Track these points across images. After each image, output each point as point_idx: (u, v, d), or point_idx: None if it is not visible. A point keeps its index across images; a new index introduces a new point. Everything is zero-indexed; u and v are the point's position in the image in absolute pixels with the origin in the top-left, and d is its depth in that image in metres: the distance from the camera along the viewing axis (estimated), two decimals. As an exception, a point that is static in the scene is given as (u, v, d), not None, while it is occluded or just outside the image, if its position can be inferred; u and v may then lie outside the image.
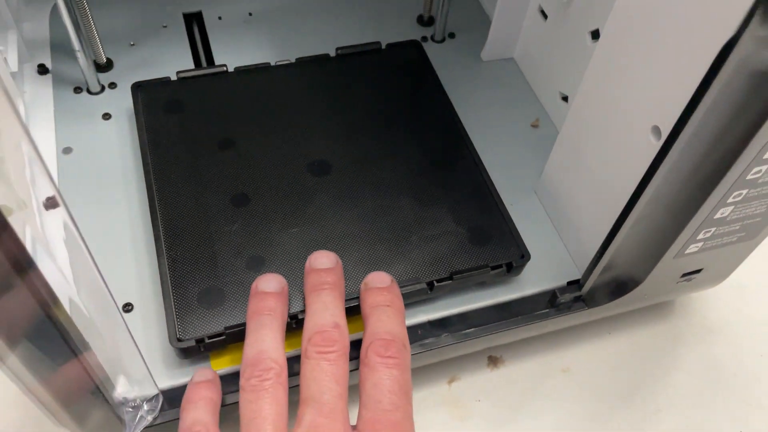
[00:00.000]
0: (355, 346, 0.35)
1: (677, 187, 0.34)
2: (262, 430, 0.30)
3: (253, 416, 0.31)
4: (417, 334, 0.39)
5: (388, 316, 0.35)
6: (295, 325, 0.36)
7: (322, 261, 0.36)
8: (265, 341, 0.33)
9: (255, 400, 0.31)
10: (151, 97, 0.45)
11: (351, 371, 0.34)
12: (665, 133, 0.32)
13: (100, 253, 0.40)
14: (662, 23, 0.31)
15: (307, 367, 0.32)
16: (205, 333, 0.35)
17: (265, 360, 0.32)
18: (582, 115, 0.39)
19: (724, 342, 0.48)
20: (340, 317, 0.34)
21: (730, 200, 0.34)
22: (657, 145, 0.33)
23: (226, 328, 0.35)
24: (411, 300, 0.39)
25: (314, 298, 0.35)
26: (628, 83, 0.34)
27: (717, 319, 0.49)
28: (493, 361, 0.46)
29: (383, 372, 0.32)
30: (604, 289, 0.41)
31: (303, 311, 0.36)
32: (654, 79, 0.32)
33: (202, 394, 0.34)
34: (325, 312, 0.34)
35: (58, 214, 0.28)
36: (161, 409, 0.36)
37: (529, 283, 0.42)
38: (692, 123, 0.30)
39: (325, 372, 0.32)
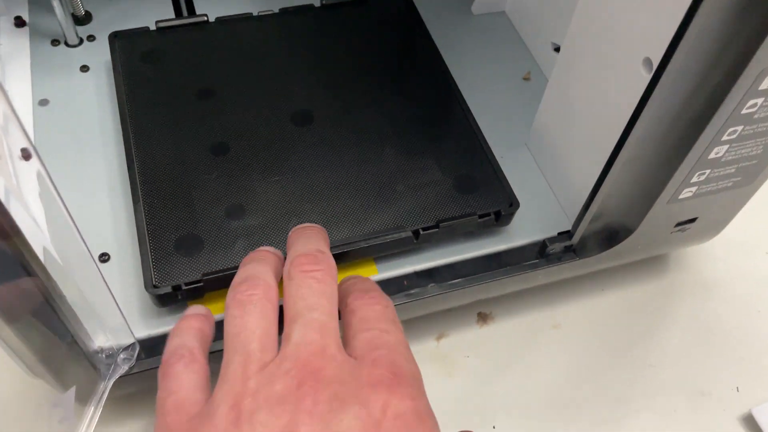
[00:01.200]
0: None
1: (668, 123, 0.33)
2: (248, 344, 0.27)
3: (237, 331, 0.27)
4: (403, 284, 0.38)
5: (306, 237, 0.32)
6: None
7: (305, 225, 0.35)
8: (257, 268, 0.30)
9: (241, 315, 0.28)
10: (129, 48, 0.43)
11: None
12: (656, 64, 0.31)
13: (76, 203, 0.39)
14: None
15: (291, 287, 0.29)
16: (182, 280, 0.34)
17: (253, 278, 0.29)
18: (571, 57, 0.38)
19: (719, 298, 0.47)
20: (325, 248, 0.32)
21: (725, 138, 0.33)
22: (647, 78, 0.31)
23: (204, 275, 0.34)
24: (397, 249, 0.38)
25: (296, 238, 0.33)
26: (618, 14, 0.33)
27: (712, 275, 0.48)
28: (483, 317, 0.45)
29: (367, 309, 0.30)
30: (596, 239, 0.40)
31: (284, 260, 0.35)
32: (643, 6, 0.31)
33: (192, 324, 0.31)
34: (307, 243, 0.31)
35: (33, 165, 0.27)
36: (138, 358, 0.35)
37: (518, 233, 0.41)
38: (681, 50, 0.28)
39: (312, 289, 0.28)
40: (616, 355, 0.44)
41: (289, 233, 0.34)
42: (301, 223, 0.36)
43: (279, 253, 0.34)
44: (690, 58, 0.29)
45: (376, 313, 0.29)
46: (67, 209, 0.29)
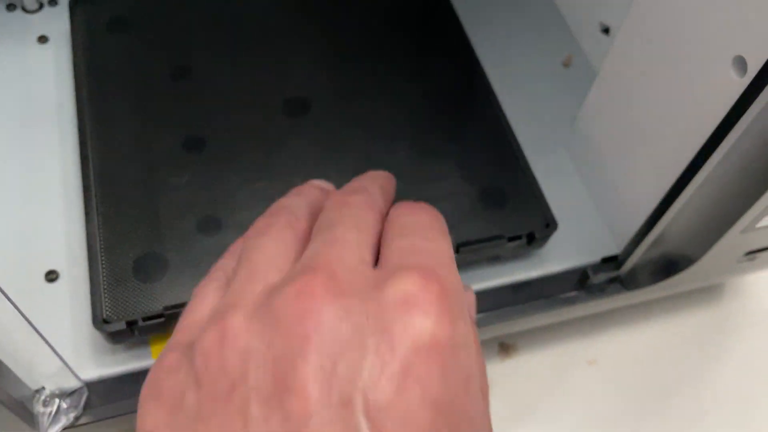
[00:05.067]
0: None
1: (762, 141, 0.25)
2: (255, 264, 0.21)
3: (248, 252, 0.22)
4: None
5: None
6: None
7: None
8: (288, 200, 0.24)
9: (255, 236, 0.22)
10: (92, 14, 0.36)
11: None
12: (754, 66, 0.24)
13: (24, 205, 0.33)
14: None
15: (321, 215, 0.23)
16: (139, 314, 0.28)
17: (279, 209, 0.23)
18: (631, 46, 0.31)
19: (783, 332, 0.40)
20: (374, 188, 0.25)
21: (831, 160, 0.26)
22: (740, 82, 0.24)
23: (166, 308, 0.28)
24: (405, 276, 0.31)
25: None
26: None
27: (775, 305, 0.41)
28: (505, 349, 0.38)
29: (408, 217, 0.22)
30: (649, 269, 0.33)
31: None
32: (744, -11, 0.23)
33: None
34: (354, 182, 0.25)
35: None
36: (87, 405, 0.29)
37: (554, 258, 0.34)
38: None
39: (341, 212, 0.22)
40: (661, 399, 0.38)
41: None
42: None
43: (330, 187, 0.27)
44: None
45: (420, 221, 0.22)
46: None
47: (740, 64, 0.24)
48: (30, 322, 0.25)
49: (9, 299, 0.24)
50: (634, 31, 0.30)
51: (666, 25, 0.28)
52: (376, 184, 0.25)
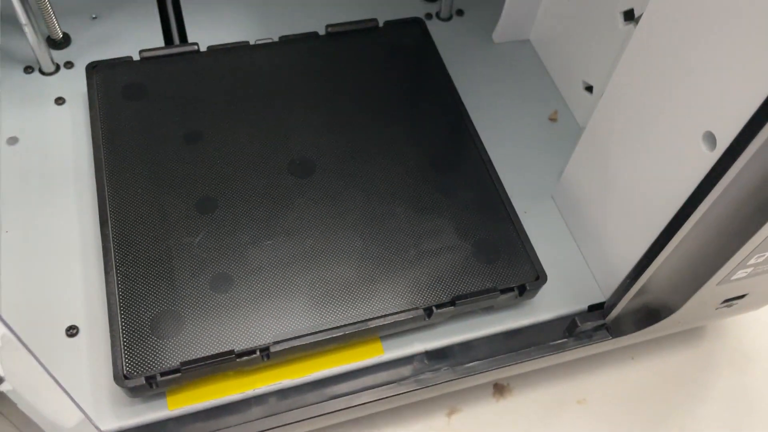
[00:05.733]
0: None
1: (734, 206, 0.28)
2: None
3: None
4: (411, 368, 0.34)
5: None
6: (265, 358, 0.31)
7: None
8: None
9: None
10: (108, 80, 0.39)
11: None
12: (722, 142, 0.26)
13: (44, 264, 0.35)
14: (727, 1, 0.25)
15: None
16: (157, 369, 0.30)
17: None
18: (613, 110, 0.33)
19: (761, 369, 0.42)
20: None
21: (795, 222, 0.28)
22: (709, 156, 0.27)
23: (183, 364, 0.30)
24: (406, 327, 0.33)
25: None
26: (676, 76, 0.28)
27: (753, 344, 0.43)
28: (500, 390, 0.40)
29: None
30: (633, 317, 0.35)
31: (276, 342, 0.31)
32: (711, 72, 0.26)
33: None
34: None
35: None
36: (106, 457, 0.30)
37: (544, 306, 0.36)
38: (764, 132, 0.24)
39: None
40: (647, 436, 0.39)
41: None
42: (296, 300, 0.32)
43: None
44: (770, 142, 0.24)
45: None
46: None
47: (710, 139, 0.27)
48: (54, 378, 0.27)
49: (34, 356, 0.26)
50: (615, 98, 0.33)
51: (643, 97, 0.30)
52: None
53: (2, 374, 0.22)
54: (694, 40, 0.26)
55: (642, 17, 0.29)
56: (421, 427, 0.39)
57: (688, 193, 0.28)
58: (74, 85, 0.41)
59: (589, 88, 0.42)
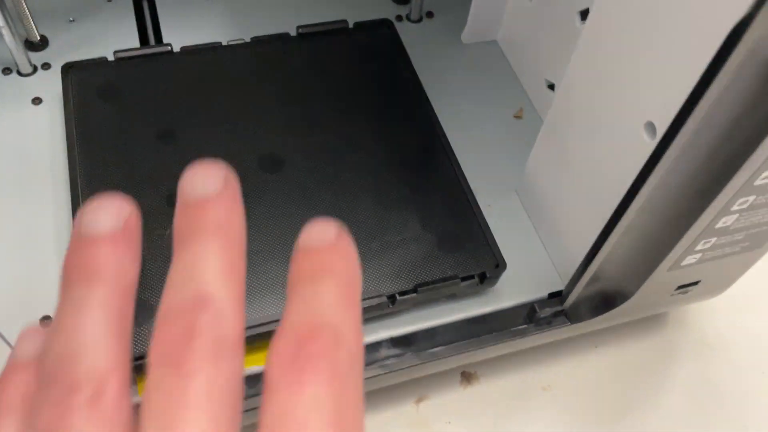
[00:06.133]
0: None
1: (674, 193, 0.29)
2: None
3: None
4: (377, 354, 0.35)
5: (319, 290, 0.17)
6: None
7: (198, 185, 0.18)
8: (78, 334, 0.16)
9: None
10: (83, 81, 0.40)
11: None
12: (660, 130, 0.27)
13: (21, 258, 0.36)
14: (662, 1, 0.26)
15: (146, 388, 0.16)
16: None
17: (70, 372, 0.15)
18: (568, 105, 0.35)
19: (721, 358, 0.44)
20: (220, 284, 0.16)
21: (735, 208, 0.29)
22: (651, 144, 0.28)
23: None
24: (370, 314, 0.35)
25: (177, 258, 0.17)
26: (619, 70, 0.29)
27: (714, 333, 0.45)
28: (467, 377, 0.41)
29: (291, 394, 0.15)
30: (590, 303, 0.37)
31: (247, 328, 0.32)
32: (648, 67, 0.27)
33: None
34: (188, 280, 0.17)
35: None
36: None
37: (505, 294, 0.37)
38: (694, 119, 0.25)
39: (174, 395, 0.15)
40: (610, 421, 0.41)
41: (175, 226, 0.18)
42: (265, 289, 0.33)
43: (132, 220, 0.18)
44: (703, 129, 0.25)
45: (304, 407, 0.15)
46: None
47: (650, 128, 0.28)
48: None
49: (9, 344, 0.27)
50: (568, 94, 0.34)
51: (593, 91, 0.32)
52: (225, 254, 0.17)
53: None
54: (633, 36, 0.28)
55: (588, 16, 0.31)
56: (390, 414, 0.40)
57: (631, 179, 0.29)
58: (51, 85, 0.42)
59: (552, 86, 0.44)
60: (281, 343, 0.16)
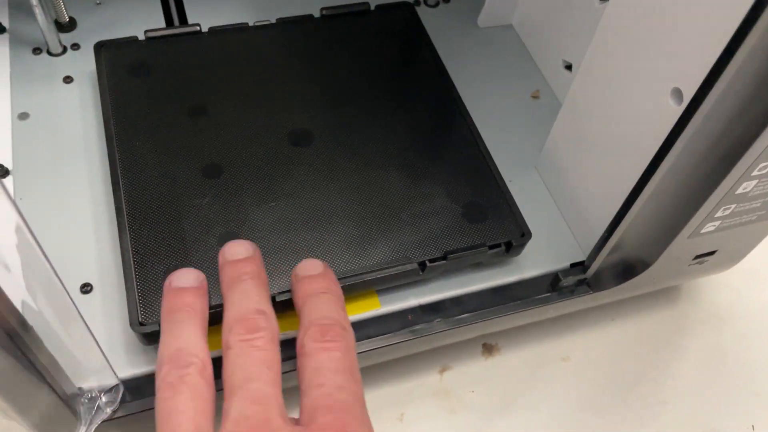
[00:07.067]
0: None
1: (698, 157, 0.30)
2: (179, 426, 0.25)
3: (168, 412, 0.25)
4: (407, 319, 0.36)
5: (324, 302, 0.30)
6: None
7: (237, 251, 0.31)
8: (182, 337, 0.28)
9: (172, 396, 0.26)
10: (115, 59, 0.41)
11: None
12: (687, 96, 0.29)
13: (58, 227, 0.37)
14: (688, -30, 0.27)
15: (230, 357, 0.27)
16: (170, 317, 0.32)
17: (183, 355, 0.27)
18: (589, 82, 0.36)
19: (733, 330, 0.45)
20: (266, 305, 0.29)
21: (755, 173, 0.31)
22: (678, 110, 0.29)
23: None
24: (401, 282, 0.36)
25: (232, 291, 0.30)
26: (645, 41, 0.31)
27: (726, 306, 0.46)
28: (488, 349, 0.43)
29: (323, 355, 0.27)
30: (611, 272, 0.38)
31: (280, 293, 0.33)
32: (676, 34, 0.29)
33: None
34: (244, 300, 0.29)
35: (3, 203, 0.24)
36: (122, 400, 0.32)
37: (528, 264, 0.38)
38: (720, 84, 0.26)
39: (252, 357, 0.27)
40: (626, 390, 0.42)
41: (222, 274, 0.31)
42: (299, 256, 0.34)
43: (203, 282, 0.31)
44: (728, 92, 0.27)
45: (332, 362, 0.27)
46: (38, 242, 0.26)
47: (677, 94, 0.30)
48: (89, 329, 0.29)
49: (72, 300, 0.28)
50: (591, 70, 0.35)
51: (615, 64, 0.33)
52: (262, 292, 0.30)
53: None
54: (660, 6, 0.29)
55: (614, -11, 0.32)
56: (415, 383, 0.41)
57: (657, 146, 0.30)
58: (81, 65, 0.43)
59: (569, 67, 0.45)
60: (312, 329, 0.28)
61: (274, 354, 0.27)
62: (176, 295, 0.30)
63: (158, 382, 0.27)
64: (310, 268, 0.32)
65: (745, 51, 0.25)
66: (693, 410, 0.42)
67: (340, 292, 0.32)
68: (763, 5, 0.24)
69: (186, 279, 0.31)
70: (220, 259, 0.31)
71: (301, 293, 0.31)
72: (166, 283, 0.31)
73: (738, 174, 0.30)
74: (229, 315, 0.29)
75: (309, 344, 0.28)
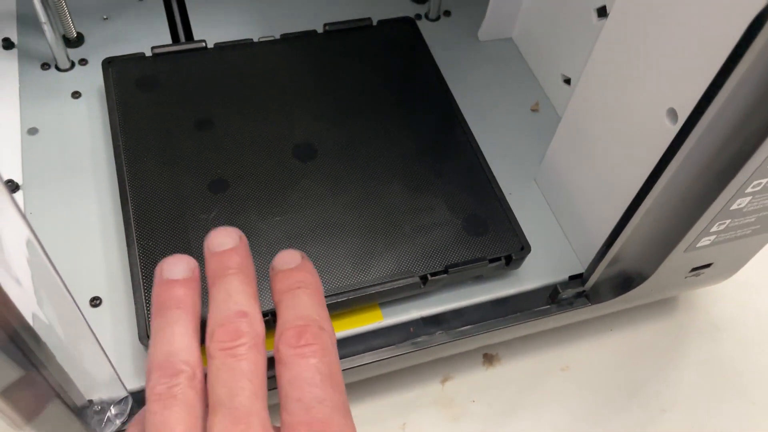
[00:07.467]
0: None
1: (693, 175, 0.31)
2: None
3: (157, 428, 0.25)
4: (409, 331, 0.37)
5: (299, 298, 0.28)
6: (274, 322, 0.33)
7: (221, 241, 0.29)
8: (173, 340, 0.27)
9: (161, 410, 0.25)
10: (123, 74, 0.42)
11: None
12: (683, 116, 0.29)
13: (67, 241, 0.37)
14: (683, -6, 0.28)
15: (212, 369, 0.26)
16: (178, 330, 0.32)
17: (173, 362, 0.26)
18: (587, 97, 0.37)
19: (730, 339, 0.46)
20: (248, 304, 0.28)
21: (749, 190, 0.32)
22: (673, 129, 0.30)
23: (202, 323, 0.32)
24: (403, 295, 0.36)
25: (216, 288, 0.28)
26: (642, 61, 0.32)
27: (722, 315, 0.47)
28: (489, 359, 0.43)
29: (299, 364, 0.26)
30: (609, 284, 0.39)
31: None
32: (671, 56, 0.29)
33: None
34: (227, 300, 0.27)
35: (22, 231, 0.25)
36: (131, 412, 0.33)
37: (528, 277, 0.39)
38: (715, 105, 0.27)
39: (233, 370, 0.26)
40: (625, 399, 0.43)
41: (207, 267, 0.29)
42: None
43: (195, 271, 0.29)
44: (723, 113, 0.27)
45: (309, 372, 0.26)
46: (48, 257, 0.26)
47: (672, 114, 0.30)
48: (98, 341, 0.29)
49: (81, 313, 0.29)
50: (589, 86, 0.36)
51: (613, 81, 0.34)
52: (247, 289, 0.28)
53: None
54: (656, 28, 0.30)
55: (611, 11, 0.33)
56: (417, 392, 0.42)
57: (653, 163, 0.31)
58: (89, 80, 0.44)
59: (568, 81, 0.46)
60: (287, 333, 0.27)
61: (257, 361, 0.26)
62: (167, 287, 0.28)
63: (148, 392, 0.26)
64: (288, 260, 0.30)
65: (740, 73, 0.26)
66: (691, 419, 0.42)
67: (317, 283, 0.30)
68: (757, 29, 0.25)
69: (177, 270, 0.29)
70: (205, 251, 0.30)
71: (276, 289, 0.29)
72: (157, 270, 0.29)
73: (733, 190, 0.31)
74: (212, 318, 0.28)
75: (284, 350, 0.27)
